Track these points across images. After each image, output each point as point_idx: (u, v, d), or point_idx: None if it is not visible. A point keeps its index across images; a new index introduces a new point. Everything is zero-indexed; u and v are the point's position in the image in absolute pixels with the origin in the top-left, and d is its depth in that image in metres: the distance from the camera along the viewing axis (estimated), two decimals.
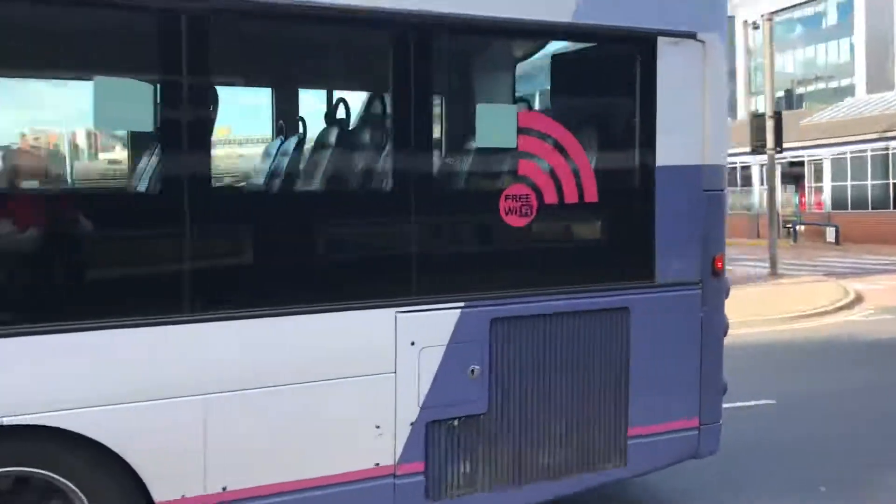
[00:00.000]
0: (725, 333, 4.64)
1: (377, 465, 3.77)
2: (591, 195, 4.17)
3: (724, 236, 4.59)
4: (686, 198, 4.38)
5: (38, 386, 3.14)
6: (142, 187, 4.29)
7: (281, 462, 3.55)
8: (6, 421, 3.08)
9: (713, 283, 4.47)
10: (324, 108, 5.16)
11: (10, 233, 3.21)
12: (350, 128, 4.74)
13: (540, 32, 4.39)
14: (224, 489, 3.44)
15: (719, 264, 4.49)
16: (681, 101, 4.32)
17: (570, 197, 4.12)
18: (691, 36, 4.29)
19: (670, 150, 4.32)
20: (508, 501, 4.06)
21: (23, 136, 5.96)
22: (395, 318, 3.72)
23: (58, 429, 3.14)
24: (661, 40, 4.22)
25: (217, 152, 4.48)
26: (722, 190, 4.52)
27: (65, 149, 6.57)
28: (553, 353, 4.11)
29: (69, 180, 6.04)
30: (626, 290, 4.32)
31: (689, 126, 4.35)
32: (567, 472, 4.20)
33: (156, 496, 3.32)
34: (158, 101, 3.36)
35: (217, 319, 3.40)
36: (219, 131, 4.80)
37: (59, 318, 3.17)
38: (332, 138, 4.58)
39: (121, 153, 5.82)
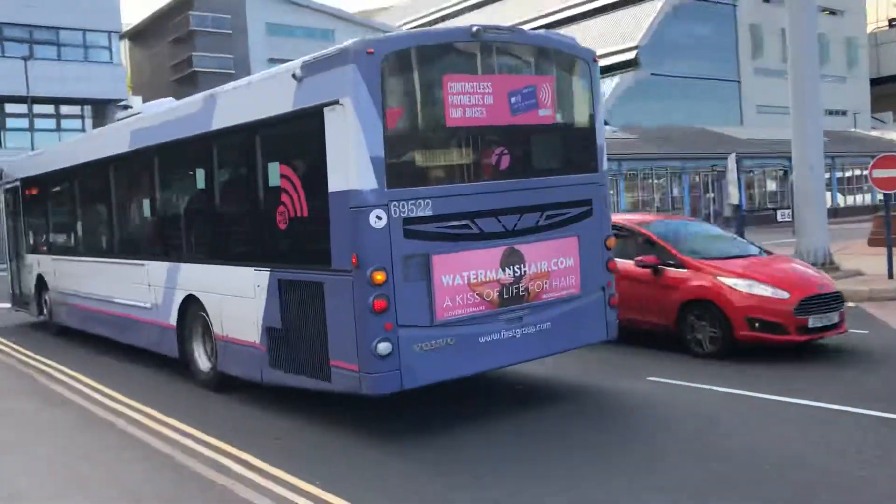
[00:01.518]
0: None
1: (252, 341, 8.23)
2: (299, 211, 7.41)
3: (370, 241, 6.67)
4: (341, 212, 6.78)
5: (192, 282, 9.42)
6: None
7: (230, 328, 8.72)
8: (193, 292, 9.41)
9: (355, 272, 6.72)
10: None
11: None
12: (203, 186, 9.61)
13: (272, 121, 7.79)
14: (219, 335, 8.96)
15: (354, 260, 6.70)
16: (342, 144, 6.76)
17: (294, 211, 7.47)
18: (334, 103, 6.78)
19: (343, 179, 6.75)
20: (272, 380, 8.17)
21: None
22: (262, 274, 7.97)
23: (195, 295, 9.28)
24: (334, 109, 6.79)
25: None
26: (362, 206, 6.62)
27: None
28: (294, 298, 7.58)
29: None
30: (322, 271, 7.11)
31: (343, 161, 6.77)
32: (298, 371, 7.68)
33: (215, 329, 9.01)
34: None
35: (197, 262, 9.36)
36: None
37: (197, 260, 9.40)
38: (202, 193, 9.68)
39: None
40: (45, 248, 15.02)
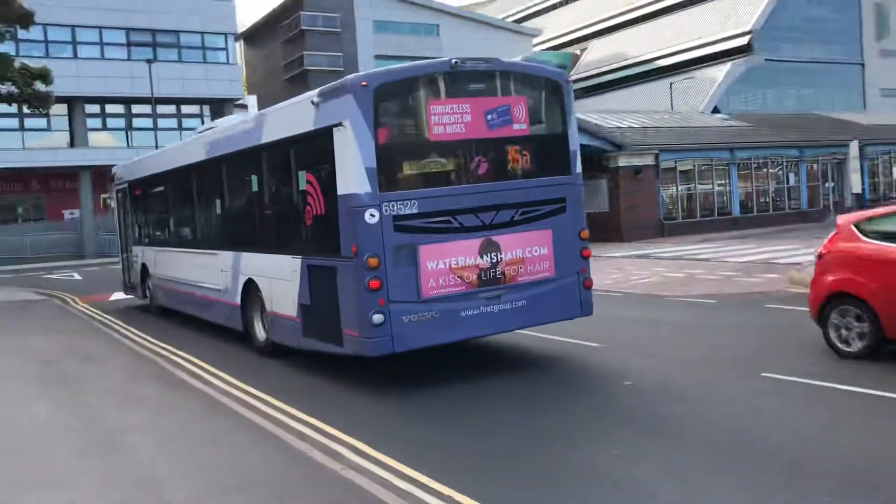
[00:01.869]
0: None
1: (291, 315, 10.05)
2: (320, 209, 9.32)
3: (365, 233, 8.47)
4: (348, 212, 8.57)
5: (251, 268, 11.48)
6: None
7: (286, 309, 10.22)
8: (252, 276, 11.43)
9: (352, 259, 8.55)
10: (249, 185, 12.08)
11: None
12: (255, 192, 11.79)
13: (299, 137, 9.69)
14: (269, 311, 10.89)
15: (353, 249, 8.54)
16: (347, 164, 8.55)
17: (316, 210, 9.39)
18: (338, 125, 8.63)
19: (347, 185, 8.55)
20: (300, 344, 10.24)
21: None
22: (297, 261, 9.73)
23: (253, 279, 11.30)
24: (338, 130, 8.60)
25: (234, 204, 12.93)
26: (359, 206, 8.45)
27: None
28: (318, 279, 9.43)
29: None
30: (335, 258, 8.91)
31: (346, 171, 8.61)
32: (322, 338, 9.56)
33: (267, 307, 10.91)
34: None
35: (254, 251, 11.40)
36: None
37: (253, 249, 11.44)
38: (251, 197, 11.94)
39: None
40: (146, 241, 17.41)
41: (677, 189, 33.13)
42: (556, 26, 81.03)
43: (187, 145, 15.08)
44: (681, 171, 33.21)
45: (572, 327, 12.24)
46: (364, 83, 8.56)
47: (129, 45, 46.10)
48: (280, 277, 10.40)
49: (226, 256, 12.47)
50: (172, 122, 48.45)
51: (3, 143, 42.46)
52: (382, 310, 8.52)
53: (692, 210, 33.50)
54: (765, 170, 35.59)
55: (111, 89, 44.71)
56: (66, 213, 45.87)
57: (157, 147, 38.67)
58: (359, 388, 9.35)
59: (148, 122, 45.38)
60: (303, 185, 9.79)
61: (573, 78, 73.33)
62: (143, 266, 17.46)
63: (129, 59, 45.45)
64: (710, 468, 6.11)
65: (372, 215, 8.52)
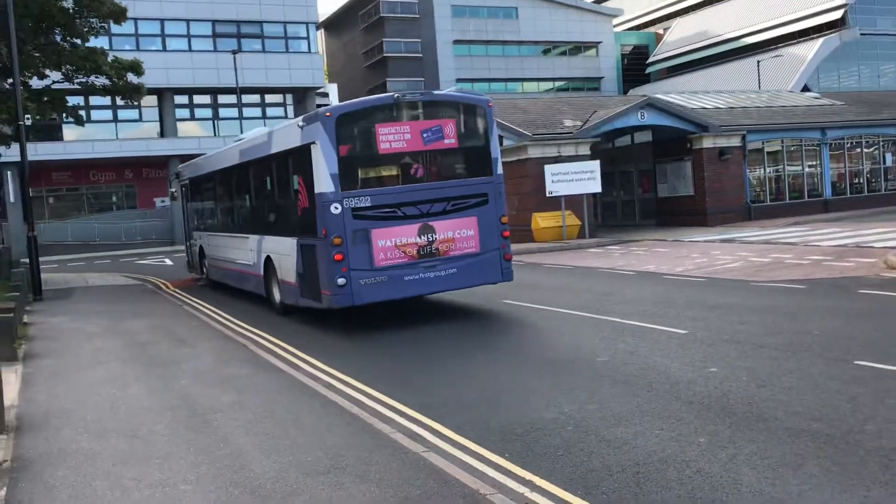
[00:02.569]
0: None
1: (293, 281, 13.51)
2: (306, 204, 12.46)
3: (331, 220, 11.83)
4: (321, 205, 11.80)
5: (268, 247, 15.01)
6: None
7: (289, 277, 13.72)
8: (269, 253, 14.93)
9: (321, 239, 11.94)
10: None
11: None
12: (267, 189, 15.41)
13: (292, 150, 13.04)
14: (280, 279, 14.39)
15: (323, 232, 11.76)
16: (319, 172, 11.91)
17: (304, 204, 12.63)
18: (311, 144, 11.97)
19: (319, 187, 11.86)
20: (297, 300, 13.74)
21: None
22: (294, 241, 13.23)
23: (270, 255, 14.82)
24: (311, 147, 11.93)
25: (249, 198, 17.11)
26: (327, 201, 11.82)
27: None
28: (306, 254, 12.78)
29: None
30: (314, 239, 12.18)
31: (318, 176, 11.93)
32: (310, 297, 12.93)
33: (279, 276, 14.44)
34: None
35: (269, 234, 14.99)
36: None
37: (269, 233, 15.02)
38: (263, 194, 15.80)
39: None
40: (202, 228, 21.37)
41: (765, 171, 32.10)
42: (638, 6, 79.29)
43: (227, 151, 18.47)
44: (768, 153, 32.14)
45: (654, 315, 12.07)
46: (328, 114, 12.15)
47: (214, 36, 47.37)
48: (285, 254, 13.97)
49: (253, 239, 16.14)
50: (257, 112, 49.55)
51: (99, 134, 44.33)
52: (345, 275, 11.99)
53: (780, 192, 32.42)
54: (859, 150, 34.10)
55: (198, 80, 46.07)
56: (158, 201, 47.61)
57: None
58: (353, 336, 9.58)
59: (233, 112, 46.62)
60: (296, 186, 13.29)
61: (655, 59, 71.86)
62: (201, 248, 21.45)
63: (214, 51, 46.71)
64: (799, 457, 5.95)
65: (336, 207, 11.98)
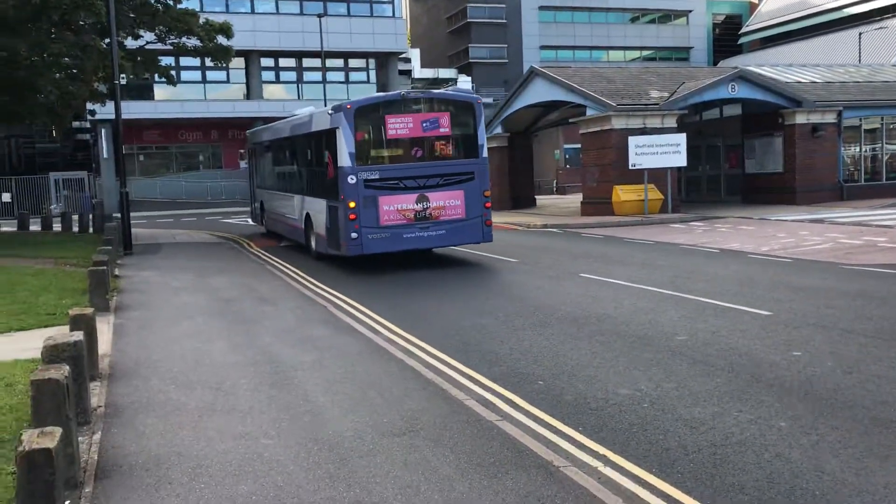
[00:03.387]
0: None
1: (323, 234, 17.46)
2: (331, 174, 16.27)
3: (348, 188, 15.58)
4: (341, 176, 15.65)
5: (307, 206, 19.01)
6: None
7: (321, 231, 17.61)
8: (308, 211, 18.94)
9: (341, 201, 15.78)
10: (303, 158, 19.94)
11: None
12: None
13: (324, 131, 16.82)
14: (315, 232, 18.27)
15: (342, 196, 15.69)
16: (340, 150, 15.69)
17: (330, 174, 16.44)
18: (336, 128, 15.76)
19: (340, 162, 15.66)
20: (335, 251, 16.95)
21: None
22: (325, 202, 17.06)
23: (308, 212, 18.80)
24: (336, 130, 15.76)
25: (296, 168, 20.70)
26: (346, 173, 15.56)
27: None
28: (332, 213, 16.66)
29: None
30: (337, 201, 16.00)
31: (340, 153, 15.69)
32: (334, 248, 16.79)
33: (315, 229, 18.31)
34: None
35: (308, 196, 18.77)
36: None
37: (308, 194, 18.88)
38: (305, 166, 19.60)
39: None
40: (263, 186, 25.43)
41: (861, 149, 30.74)
42: None
43: (282, 124, 22.36)
44: (866, 130, 30.75)
45: (737, 295, 11.82)
46: (349, 106, 15.95)
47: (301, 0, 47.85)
48: (319, 212, 17.78)
49: (298, 198, 19.88)
50: (340, 76, 50.02)
51: (188, 94, 45.50)
52: (357, 231, 15.67)
53: (877, 172, 31.03)
54: None
55: (284, 44, 46.74)
56: (242, 162, 48.83)
57: (325, 100, 40.19)
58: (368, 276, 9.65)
59: (317, 76, 47.17)
60: (326, 159, 16.95)
61: (749, 29, 69.22)
62: (261, 203, 25.61)
63: (301, 14, 47.23)
64: (887, 448, 5.77)
65: (352, 178, 15.64)
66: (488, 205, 16.46)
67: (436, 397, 7.25)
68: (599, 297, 12.40)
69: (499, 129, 34.69)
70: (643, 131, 26.56)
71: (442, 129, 16.21)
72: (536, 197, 39.06)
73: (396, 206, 15.75)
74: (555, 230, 24.71)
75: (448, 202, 16.04)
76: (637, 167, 25.88)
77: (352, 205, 15.54)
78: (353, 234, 15.56)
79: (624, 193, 26.62)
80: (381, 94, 17.41)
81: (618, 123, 26.74)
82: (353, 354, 9.02)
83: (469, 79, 65.74)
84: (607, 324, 10.36)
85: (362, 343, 9.61)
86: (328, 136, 16.54)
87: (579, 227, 24.77)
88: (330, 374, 8.17)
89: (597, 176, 27.83)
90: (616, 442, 6.11)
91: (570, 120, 31.13)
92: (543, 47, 66.83)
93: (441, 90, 16.91)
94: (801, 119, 28.65)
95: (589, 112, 27.93)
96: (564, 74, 30.52)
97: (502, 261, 17.21)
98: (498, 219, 29.33)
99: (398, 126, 15.97)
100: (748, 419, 6.50)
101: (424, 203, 15.86)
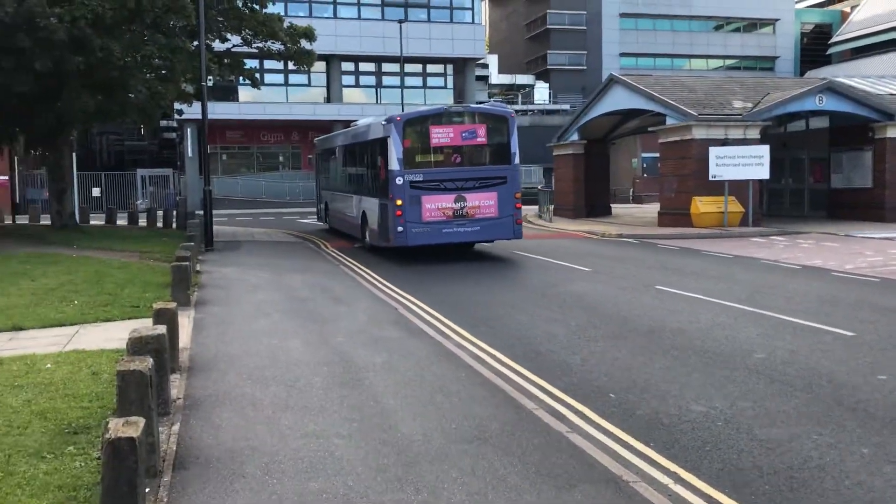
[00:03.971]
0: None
1: (376, 229, 20.15)
2: (383, 176, 18.93)
3: (396, 188, 18.21)
4: (391, 178, 18.33)
5: (364, 205, 21.67)
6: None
7: (373, 226, 20.22)
8: (364, 209, 21.56)
9: (390, 199, 18.42)
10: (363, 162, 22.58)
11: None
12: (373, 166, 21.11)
13: (378, 139, 19.56)
14: (369, 227, 20.90)
15: (390, 196, 18.38)
16: (391, 156, 18.37)
17: (382, 176, 19.11)
18: (388, 137, 18.43)
19: (391, 166, 18.33)
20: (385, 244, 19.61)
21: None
22: (377, 201, 19.74)
23: (364, 210, 21.51)
24: (388, 139, 18.43)
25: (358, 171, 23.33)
26: (395, 176, 18.20)
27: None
28: (382, 210, 19.35)
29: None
30: (386, 200, 18.71)
31: (390, 158, 18.36)
32: (384, 240, 19.37)
33: (369, 224, 20.88)
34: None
35: (364, 196, 21.50)
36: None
37: (364, 195, 21.71)
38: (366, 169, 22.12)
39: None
40: (327, 188, 28.55)
41: None
42: None
43: (344, 132, 25.72)
44: None
45: (819, 314, 11.46)
46: (398, 118, 18.58)
47: (383, 5, 48.51)
48: (372, 209, 20.33)
49: (356, 198, 22.64)
50: (418, 81, 50.47)
51: (271, 96, 46.65)
52: (403, 225, 18.20)
53: None
54: None
55: (365, 48, 47.47)
56: None
57: (402, 105, 40.63)
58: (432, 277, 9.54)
59: (396, 81, 47.73)
60: (379, 163, 19.47)
61: (839, 39, 66.93)
62: (326, 204, 28.52)
63: (382, 20, 47.85)
64: None
65: (399, 180, 18.17)
66: (518, 206, 18.97)
67: (505, 405, 7.24)
68: (675, 310, 12.17)
69: (575, 137, 34.41)
70: (724, 142, 25.97)
71: (479, 139, 18.95)
72: (612, 205, 38.59)
73: (437, 205, 18.34)
74: (630, 240, 24.38)
75: (483, 202, 18.53)
76: (717, 178, 25.32)
77: (399, 202, 18.14)
78: (399, 228, 18.18)
79: (703, 205, 26.08)
80: (427, 107, 20.79)
81: (699, 133, 26.21)
82: (423, 358, 9.08)
83: (546, 85, 65.48)
84: (682, 338, 10.16)
85: (432, 347, 9.67)
86: (381, 144, 19.12)
87: (656, 238, 24.39)
88: (400, 377, 8.24)
89: (675, 186, 27.33)
90: (688, 459, 5.99)
91: (650, 129, 30.65)
92: (623, 55, 66.03)
93: (478, 105, 21.35)
94: (892, 133, 27.53)
95: (669, 121, 27.45)
96: (645, 82, 30.08)
97: (575, 270, 17.05)
98: (572, 226, 29.11)
99: (441, 135, 18.67)
100: (828, 443, 6.29)
101: (462, 203, 18.42)
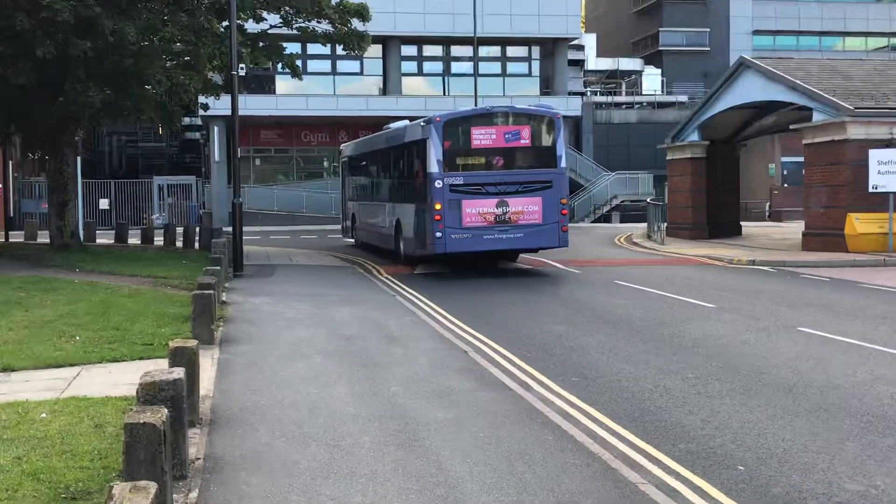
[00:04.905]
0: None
1: (411, 236, 23.35)
2: (421, 180, 22.23)
3: (435, 192, 21.26)
4: (430, 181, 21.39)
5: (398, 213, 24.99)
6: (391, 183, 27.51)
7: (409, 234, 23.57)
8: (398, 217, 24.86)
9: (428, 204, 21.47)
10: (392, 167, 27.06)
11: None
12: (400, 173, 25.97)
13: (416, 141, 22.83)
14: (403, 235, 24.25)
15: (429, 199, 21.32)
16: (429, 158, 21.46)
17: (420, 180, 22.49)
18: (427, 138, 21.60)
19: (429, 168, 21.43)
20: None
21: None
22: (413, 206, 22.96)
23: (398, 218, 24.84)
24: (427, 140, 21.59)
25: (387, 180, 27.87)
26: (434, 178, 21.24)
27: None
28: (418, 216, 22.58)
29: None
30: (424, 204, 21.86)
31: (430, 161, 21.42)
32: (421, 248, 22.61)
33: (404, 233, 24.23)
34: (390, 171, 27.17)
35: (399, 203, 25.15)
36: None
37: (398, 202, 25.43)
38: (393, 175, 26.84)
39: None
40: (355, 198, 32.09)
41: None
42: None
43: (375, 137, 29.69)
44: None
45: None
46: (437, 119, 21.34)
47: None
48: (408, 216, 23.25)
49: (389, 206, 25.99)
50: (495, 67, 50.66)
51: (314, 88, 47.39)
52: (441, 231, 20.87)
53: None
54: None
55: (430, 28, 47.75)
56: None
57: (475, 98, 40.89)
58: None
59: (468, 67, 47.87)
60: (416, 167, 22.61)
61: None
62: (353, 215, 31.97)
63: None
64: None
65: (438, 183, 20.93)
66: (564, 212, 21.87)
67: (602, 478, 7.15)
68: (824, 359, 11.88)
69: (694, 136, 34.08)
70: (889, 143, 25.37)
71: (522, 141, 21.89)
72: (743, 224, 38.01)
73: (478, 210, 21.15)
74: (766, 268, 23.95)
75: (526, 208, 21.32)
76: (880, 190, 24.75)
77: (437, 206, 20.89)
78: (438, 234, 20.93)
79: (861, 224, 25.50)
80: (469, 108, 24.63)
81: (855, 132, 25.66)
82: (499, 414, 9.04)
83: (658, 71, 65.10)
84: (834, 396, 9.90)
85: (511, 401, 9.63)
86: (419, 147, 22.26)
87: (799, 266, 23.94)
88: (469, 438, 8.22)
89: (825, 200, 26.77)
90: None
91: (791, 126, 30.15)
92: (757, 32, 65.20)
93: (524, 106, 24.57)
94: None
95: (816, 117, 26.95)
96: (785, 68, 29.64)
97: (695, 306, 16.81)
98: (690, 250, 28.76)
99: (482, 136, 21.59)
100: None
101: (504, 208, 21.14)
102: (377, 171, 28.56)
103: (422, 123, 22.09)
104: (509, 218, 21.06)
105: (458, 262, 22.88)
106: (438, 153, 21.02)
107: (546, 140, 21.99)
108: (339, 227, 43.92)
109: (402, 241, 23.98)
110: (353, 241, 32.13)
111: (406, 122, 25.69)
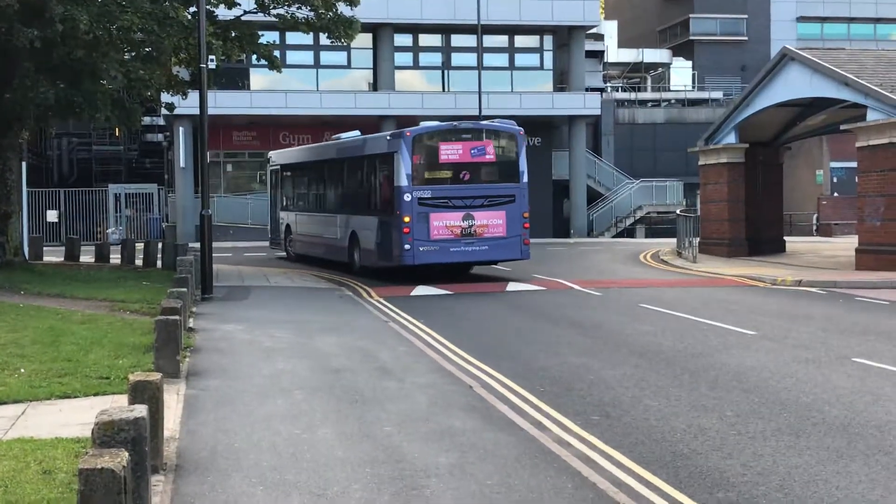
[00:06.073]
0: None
1: (373, 248, 27.49)
2: (387, 192, 26.66)
3: (404, 205, 25.26)
4: (398, 194, 25.52)
5: (353, 224, 29.02)
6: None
7: (369, 245, 27.78)
8: (354, 229, 28.98)
9: (396, 216, 25.52)
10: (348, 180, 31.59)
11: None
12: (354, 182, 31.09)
13: (381, 155, 27.40)
14: (361, 247, 28.34)
15: (398, 212, 25.32)
16: (398, 171, 25.60)
17: (385, 192, 26.91)
18: (395, 152, 25.79)
19: (398, 181, 25.54)
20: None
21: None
22: (376, 219, 27.26)
23: (354, 230, 29.01)
24: (395, 154, 25.79)
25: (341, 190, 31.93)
26: (402, 192, 25.21)
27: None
28: (384, 228, 26.69)
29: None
30: (391, 217, 25.90)
31: (398, 174, 25.57)
32: (386, 260, 27.00)
33: (361, 245, 28.34)
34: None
35: (355, 215, 29.27)
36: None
37: (355, 213, 29.62)
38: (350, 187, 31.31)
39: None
40: (290, 208, 35.23)
41: None
42: None
43: (323, 146, 34.66)
44: None
45: None
46: (408, 133, 25.47)
47: None
48: (367, 228, 27.14)
49: (342, 217, 29.47)
50: (502, 59, 50.66)
51: (294, 83, 47.36)
52: (410, 244, 24.63)
53: None
54: None
55: (427, 14, 47.66)
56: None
57: (479, 95, 40.97)
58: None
59: (470, 59, 47.84)
60: (381, 180, 26.88)
61: None
62: (287, 226, 35.06)
63: None
64: None
65: (408, 196, 24.76)
66: (527, 225, 26.11)
67: None
68: (883, 395, 11.88)
69: (731, 138, 34.12)
70: None
71: (488, 156, 26.25)
72: (787, 239, 38.03)
73: (445, 223, 24.96)
74: (814, 289, 24.01)
75: (491, 221, 25.39)
76: None
77: (406, 219, 24.55)
78: (407, 246, 24.60)
79: None
80: (436, 123, 27.76)
81: None
82: (510, 459, 9.04)
83: (688, 64, 65.27)
84: (895, 436, 9.89)
85: (522, 443, 9.62)
86: (384, 160, 26.35)
87: (853, 287, 24.03)
88: (475, 486, 8.21)
89: (882, 211, 26.82)
90: None
91: (842, 127, 30.24)
92: (802, 19, 65.47)
93: (487, 122, 28.54)
94: None
95: (872, 116, 27.03)
96: (834, 60, 29.73)
97: (733, 332, 16.82)
98: (727, 269, 28.78)
99: (450, 152, 25.74)
100: None
101: (470, 221, 25.08)
102: (325, 182, 32.42)
103: (388, 137, 26.66)
104: (475, 231, 25.16)
105: (417, 277, 25.44)
106: (408, 167, 24.84)
107: (510, 154, 26.48)
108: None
109: (359, 253, 27.89)
110: (284, 254, 35.32)
111: (357, 132, 30.99)
